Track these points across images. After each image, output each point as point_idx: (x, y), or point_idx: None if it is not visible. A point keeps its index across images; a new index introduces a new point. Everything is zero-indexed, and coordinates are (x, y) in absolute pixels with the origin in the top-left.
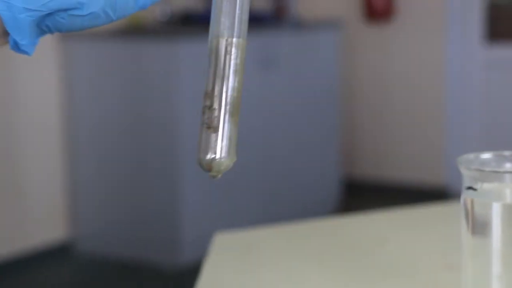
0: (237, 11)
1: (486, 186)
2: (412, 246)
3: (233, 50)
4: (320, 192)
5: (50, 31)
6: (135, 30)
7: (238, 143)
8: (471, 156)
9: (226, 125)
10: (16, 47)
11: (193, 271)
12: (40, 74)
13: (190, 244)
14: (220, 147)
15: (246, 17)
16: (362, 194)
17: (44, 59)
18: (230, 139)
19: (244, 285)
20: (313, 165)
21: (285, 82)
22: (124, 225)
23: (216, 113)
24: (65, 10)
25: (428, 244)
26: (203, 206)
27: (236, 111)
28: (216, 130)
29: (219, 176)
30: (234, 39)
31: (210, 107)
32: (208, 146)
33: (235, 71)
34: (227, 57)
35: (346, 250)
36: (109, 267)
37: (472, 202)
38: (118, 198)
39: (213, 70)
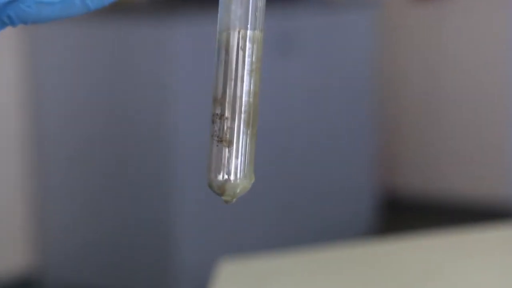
0: None
1: None
2: (470, 278)
3: (248, 45)
4: (352, 209)
5: (13, 23)
6: (119, 9)
7: None
8: None
9: (242, 137)
10: None
11: None
12: None
13: (186, 273)
14: (234, 166)
15: (262, 3)
16: (406, 212)
17: (3, 46)
18: (247, 155)
19: None
20: (343, 176)
21: (307, 73)
22: (104, 250)
23: (229, 123)
24: None
25: (490, 275)
26: (203, 226)
27: (253, 120)
28: (229, 144)
29: (234, 200)
30: (249, 32)
31: (222, 116)
32: (220, 164)
33: (251, 71)
34: (241, 54)
35: (385, 284)
36: None
37: None
38: (96, 217)
39: (223, 70)
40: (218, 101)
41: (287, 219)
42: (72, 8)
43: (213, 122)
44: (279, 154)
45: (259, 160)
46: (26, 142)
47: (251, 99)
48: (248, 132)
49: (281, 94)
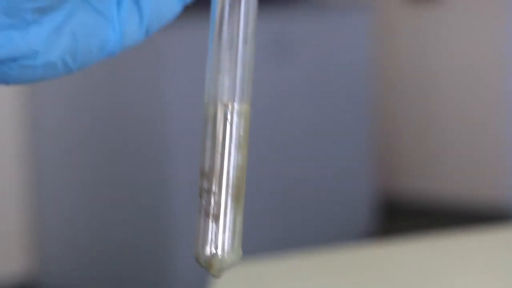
0: (239, 67)
1: None
2: (469, 281)
3: (235, 119)
4: (350, 212)
5: None
6: None
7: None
8: None
9: (229, 212)
10: None
11: None
12: None
13: (184, 278)
14: (222, 241)
15: (250, 75)
16: (405, 215)
17: None
18: (234, 230)
19: None
20: (341, 180)
21: (302, 77)
22: (101, 255)
23: (216, 198)
24: (15, 59)
25: (488, 278)
26: None
27: (241, 195)
28: (216, 219)
29: (220, 275)
30: (236, 105)
31: (209, 191)
32: (207, 238)
33: (238, 146)
34: (228, 128)
35: (383, 287)
36: None
37: None
38: (93, 223)
39: (210, 143)
40: (206, 175)
41: (284, 222)
42: (54, 70)
43: (200, 196)
44: (276, 157)
45: (257, 162)
46: (23, 148)
47: (238, 173)
48: (236, 206)
49: (277, 98)
